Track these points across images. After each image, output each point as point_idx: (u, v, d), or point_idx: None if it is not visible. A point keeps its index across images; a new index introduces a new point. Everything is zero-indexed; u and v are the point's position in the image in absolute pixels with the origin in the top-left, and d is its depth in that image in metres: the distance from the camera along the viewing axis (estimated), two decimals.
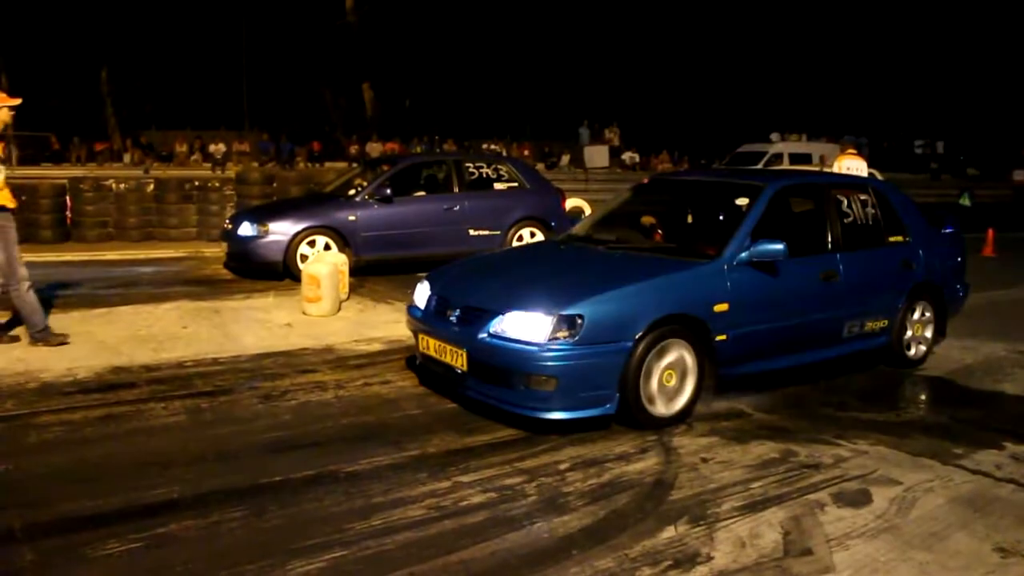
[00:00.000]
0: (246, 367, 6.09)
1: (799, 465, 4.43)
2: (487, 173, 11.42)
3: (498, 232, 11.01)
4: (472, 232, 10.82)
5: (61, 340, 6.45)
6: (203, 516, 3.67)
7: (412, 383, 5.73)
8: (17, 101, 6.28)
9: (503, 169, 11.65)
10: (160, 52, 31.79)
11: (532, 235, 11.24)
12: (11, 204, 6.32)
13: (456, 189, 11.04)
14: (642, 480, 4.15)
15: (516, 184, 11.54)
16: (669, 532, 3.61)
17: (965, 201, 25.16)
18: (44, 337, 6.41)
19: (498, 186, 11.40)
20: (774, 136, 26.91)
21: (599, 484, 4.09)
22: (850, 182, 6.88)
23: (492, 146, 31.24)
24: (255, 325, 7.45)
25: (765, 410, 5.32)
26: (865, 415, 5.36)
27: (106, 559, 3.28)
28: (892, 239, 6.37)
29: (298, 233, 9.83)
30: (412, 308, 5.62)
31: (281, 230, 9.80)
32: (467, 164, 11.44)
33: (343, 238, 9.97)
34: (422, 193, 11.07)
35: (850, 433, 4.97)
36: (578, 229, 6.57)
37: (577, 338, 4.59)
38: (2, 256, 6.25)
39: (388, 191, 10.38)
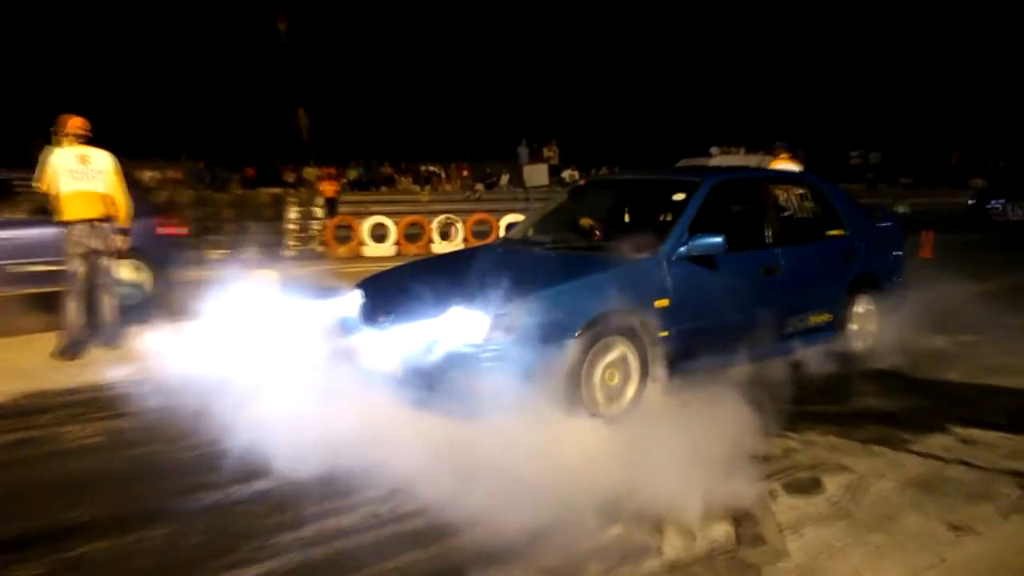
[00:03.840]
0: (173, 386, 5.83)
1: (750, 456, 4.35)
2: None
3: None
4: None
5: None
6: (121, 537, 3.46)
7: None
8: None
9: None
10: (89, 81, 31.16)
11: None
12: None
13: None
14: (588, 477, 4.01)
15: None
16: (617, 528, 3.49)
17: (901, 208, 25.68)
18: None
19: None
20: (714, 150, 27.14)
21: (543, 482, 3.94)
22: (787, 177, 6.89)
23: (431, 167, 31.09)
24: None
25: (711, 405, 5.22)
26: (813, 408, 5.32)
27: None
28: (831, 232, 6.38)
29: None
30: (344, 317, 5.45)
31: None
32: None
33: None
34: None
35: (799, 425, 4.92)
36: (514, 233, 6.49)
37: (515, 337, 4.47)
38: None
39: None
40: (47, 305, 7.84)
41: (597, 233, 6.18)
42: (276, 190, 24.05)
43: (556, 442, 4.41)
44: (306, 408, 4.76)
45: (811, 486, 3.99)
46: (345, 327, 5.38)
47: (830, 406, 5.37)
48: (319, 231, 17.16)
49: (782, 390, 5.61)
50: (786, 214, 6.10)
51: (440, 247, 16.47)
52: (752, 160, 22.14)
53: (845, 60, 40.97)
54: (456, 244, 16.79)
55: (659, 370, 5.03)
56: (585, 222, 6.28)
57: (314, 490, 3.91)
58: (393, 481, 3.97)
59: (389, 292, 5.31)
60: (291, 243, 16.66)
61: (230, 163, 29.03)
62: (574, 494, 3.79)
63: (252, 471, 4.14)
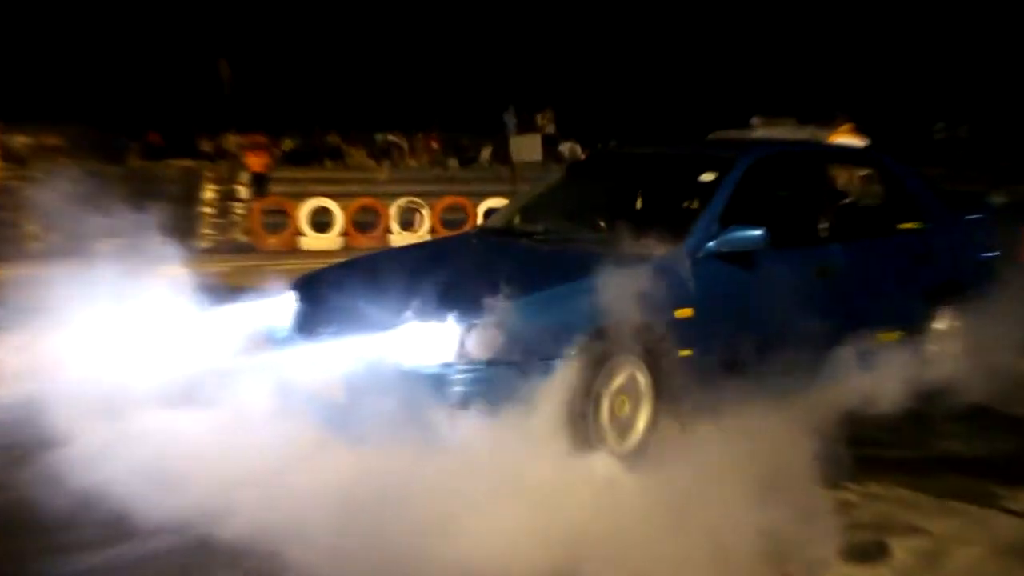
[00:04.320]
0: (44, 414, 5.78)
1: (794, 513, 4.34)
2: None
3: None
4: None
5: None
6: None
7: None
8: None
9: None
10: None
11: None
12: None
13: None
14: (592, 534, 3.99)
15: None
16: None
17: (998, 197, 25.85)
18: None
19: None
20: (755, 120, 27.25)
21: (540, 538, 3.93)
22: (849, 154, 6.92)
23: (390, 137, 31.09)
24: None
25: (746, 446, 5.22)
26: (878, 452, 5.38)
27: None
28: (904, 226, 6.41)
29: None
30: (273, 326, 5.45)
31: None
32: None
33: None
34: None
35: (860, 474, 4.95)
36: (495, 220, 6.51)
37: (493, 355, 4.51)
38: None
39: None
40: None
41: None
42: (188, 162, 24.01)
43: (550, 490, 4.40)
44: (216, 443, 4.75)
45: (874, 551, 4.03)
46: (274, 339, 5.41)
47: (900, 450, 5.46)
48: (243, 216, 17.14)
49: (838, 428, 5.60)
50: (846, 201, 6.13)
51: (400, 238, 16.50)
52: (803, 134, 22.16)
53: (926, 10, 41.20)
54: (421, 235, 16.82)
55: (678, 399, 5.03)
56: None
57: (224, 550, 3.90)
58: (331, 542, 3.93)
59: (332, 296, 5.33)
60: (206, 231, 16.63)
61: (127, 127, 28.96)
62: (576, 555, 3.83)
63: (144, 525, 4.14)
